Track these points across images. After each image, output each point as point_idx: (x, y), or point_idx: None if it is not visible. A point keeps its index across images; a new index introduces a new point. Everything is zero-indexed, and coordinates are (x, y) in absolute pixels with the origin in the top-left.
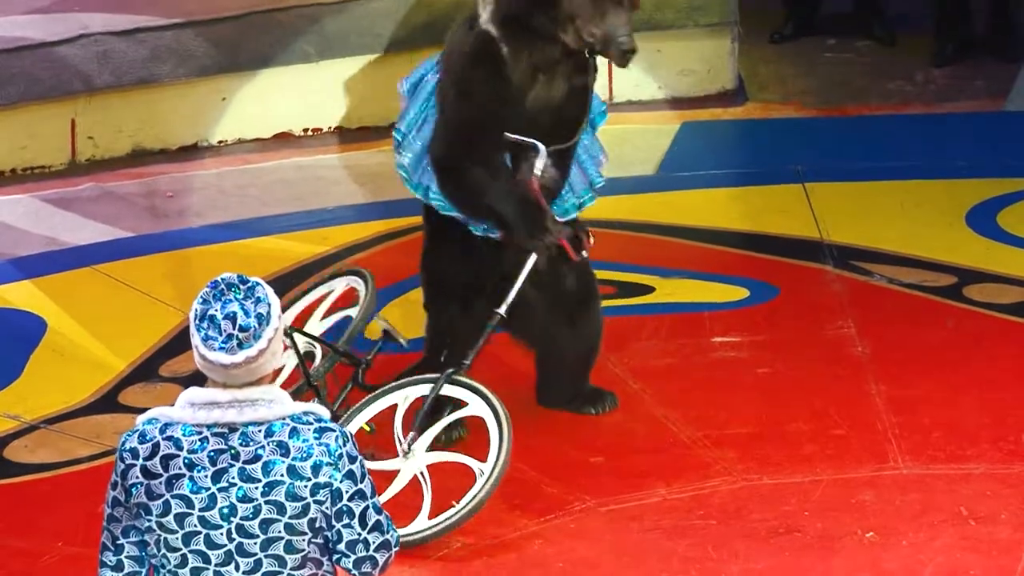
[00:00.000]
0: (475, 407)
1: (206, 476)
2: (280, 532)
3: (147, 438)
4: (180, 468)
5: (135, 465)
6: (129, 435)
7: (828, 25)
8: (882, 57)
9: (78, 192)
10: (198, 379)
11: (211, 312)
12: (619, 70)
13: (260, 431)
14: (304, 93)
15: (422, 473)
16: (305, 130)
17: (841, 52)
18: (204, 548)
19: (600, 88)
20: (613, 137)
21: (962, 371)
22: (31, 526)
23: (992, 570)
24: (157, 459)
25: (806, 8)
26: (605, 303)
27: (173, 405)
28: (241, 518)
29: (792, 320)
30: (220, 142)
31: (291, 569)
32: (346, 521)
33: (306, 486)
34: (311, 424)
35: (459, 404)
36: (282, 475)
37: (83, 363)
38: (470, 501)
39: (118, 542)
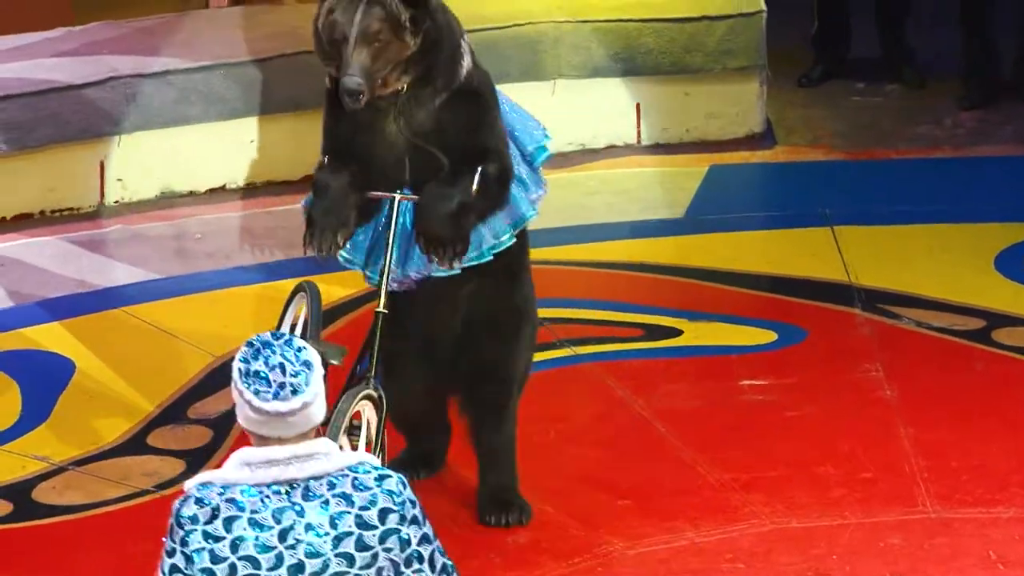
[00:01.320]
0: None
1: (272, 535)
2: None
3: (205, 502)
4: (244, 529)
5: (195, 531)
6: (183, 502)
7: (856, 69)
8: (910, 101)
9: (107, 234)
10: (224, 422)
11: (255, 368)
12: (647, 112)
13: (322, 484)
14: None
15: None
16: None
17: (869, 96)
18: None
19: (628, 132)
20: (641, 180)
21: (991, 415)
22: (59, 569)
23: None
24: (219, 522)
25: (834, 52)
26: (633, 346)
27: (222, 469)
28: (310, 574)
29: (820, 363)
30: (248, 184)
31: None
32: (416, 566)
33: (374, 535)
34: (370, 472)
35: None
36: (350, 527)
37: (111, 405)
38: None
39: None
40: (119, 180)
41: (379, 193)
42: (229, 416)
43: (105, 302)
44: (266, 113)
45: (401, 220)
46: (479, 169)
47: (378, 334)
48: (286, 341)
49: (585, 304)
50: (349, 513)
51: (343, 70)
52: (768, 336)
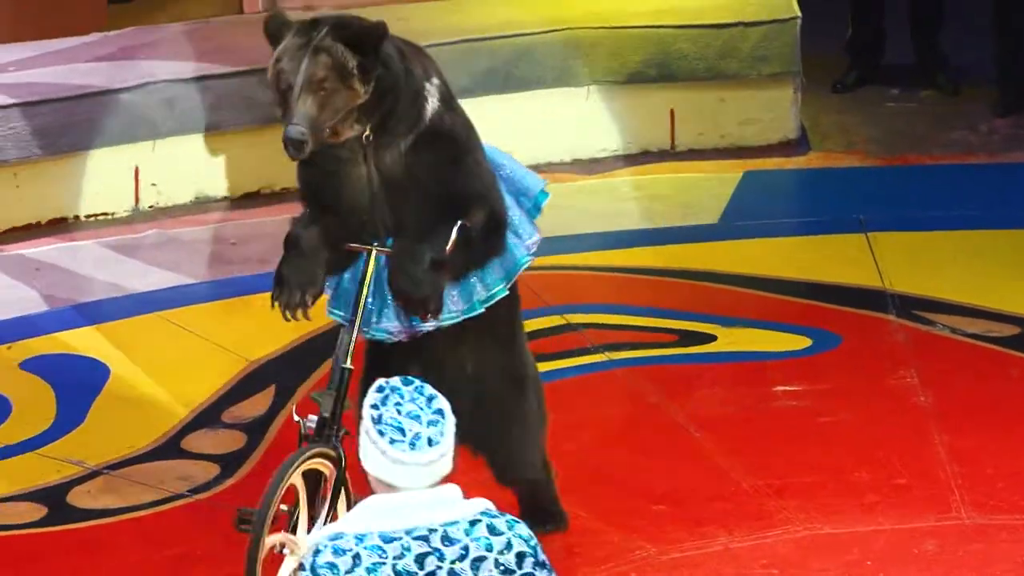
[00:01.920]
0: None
1: None
2: None
3: (343, 551)
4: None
5: None
6: (317, 554)
7: (890, 75)
8: (944, 107)
9: (142, 239)
10: (258, 426)
11: (388, 416)
12: (682, 118)
13: (459, 530)
14: None
15: None
16: None
17: (904, 102)
18: None
19: (662, 137)
20: (676, 186)
21: None
22: (94, 572)
23: None
24: (361, 569)
25: (869, 58)
26: (667, 351)
27: (348, 520)
28: None
29: (855, 369)
30: (283, 189)
31: None
32: None
33: None
34: (500, 517)
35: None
36: (490, 571)
37: (146, 409)
38: None
39: None
40: (154, 185)
41: (356, 245)
42: (263, 421)
43: (140, 306)
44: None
45: (375, 273)
46: (459, 222)
47: (343, 392)
48: (416, 388)
49: (619, 310)
50: (487, 558)
51: (287, 119)
52: (803, 342)
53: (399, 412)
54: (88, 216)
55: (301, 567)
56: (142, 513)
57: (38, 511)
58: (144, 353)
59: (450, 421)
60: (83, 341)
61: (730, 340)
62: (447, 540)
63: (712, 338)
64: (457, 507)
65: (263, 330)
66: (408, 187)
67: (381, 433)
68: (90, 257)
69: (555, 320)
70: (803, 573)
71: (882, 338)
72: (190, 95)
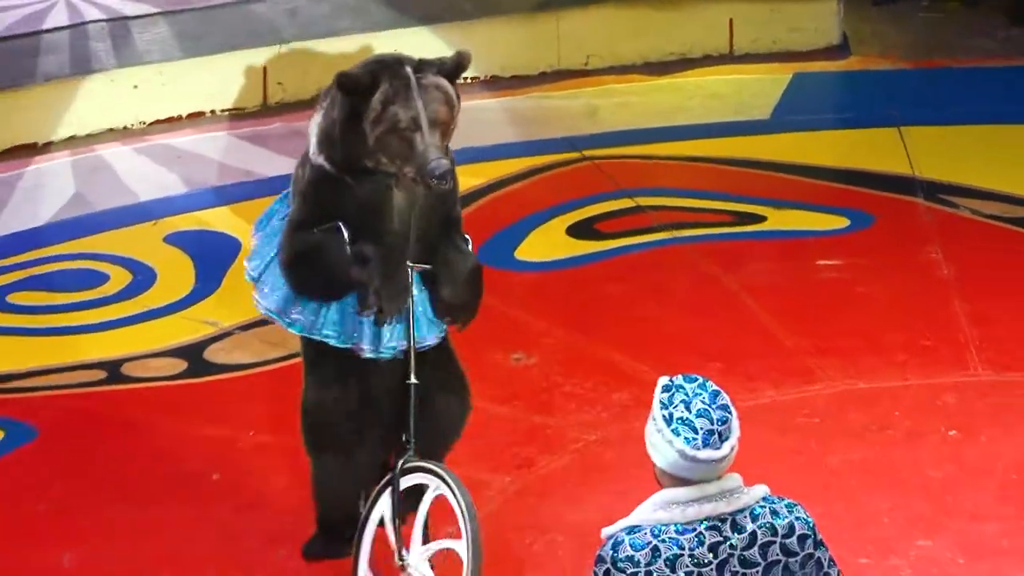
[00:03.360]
0: (435, 486)
1: (711, 570)
2: None
3: (640, 545)
4: (688, 567)
5: (638, 572)
6: (615, 547)
7: None
8: (968, 17)
9: (269, 130)
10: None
11: (678, 415)
12: (739, 27)
13: (746, 517)
14: (460, 46)
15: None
16: (465, 78)
17: (933, 12)
18: None
19: (722, 43)
20: (734, 85)
21: None
22: (226, 417)
23: None
24: (661, 561)
25: None
26: (723, 229)
27: (642, 512)
28: None
29: (886, 246)
30: None
31: None
32: None
33: (796, 561)
34: (779, 502)
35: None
36: (778, 555)
37: None
38: None
39: None
40: (279, 83)
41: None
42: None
43: (267, 189)
44: (407, 26)
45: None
46: (467, 238)
47: (412, 405)
48: (699, 385)
49: (681, 193)
50: (774, 543)
51: (427, 155)
52: (841, 221)
53: (688, 410)
54: (223, 110)
55: (600, 560)
56: (268, 368)
57: (179, 365)
58: None
59: (735, 415)
60: (218, 219)
61: (778, 220)
62: (736, 528)
63: (762, 218)
64: (742, 495)
65: None
66: (428, 209)
67: (676, 433)
68: (224, 146)
69: (625, 202)
70: (840, 422)
71: (911, 219)
72: (311, 5)
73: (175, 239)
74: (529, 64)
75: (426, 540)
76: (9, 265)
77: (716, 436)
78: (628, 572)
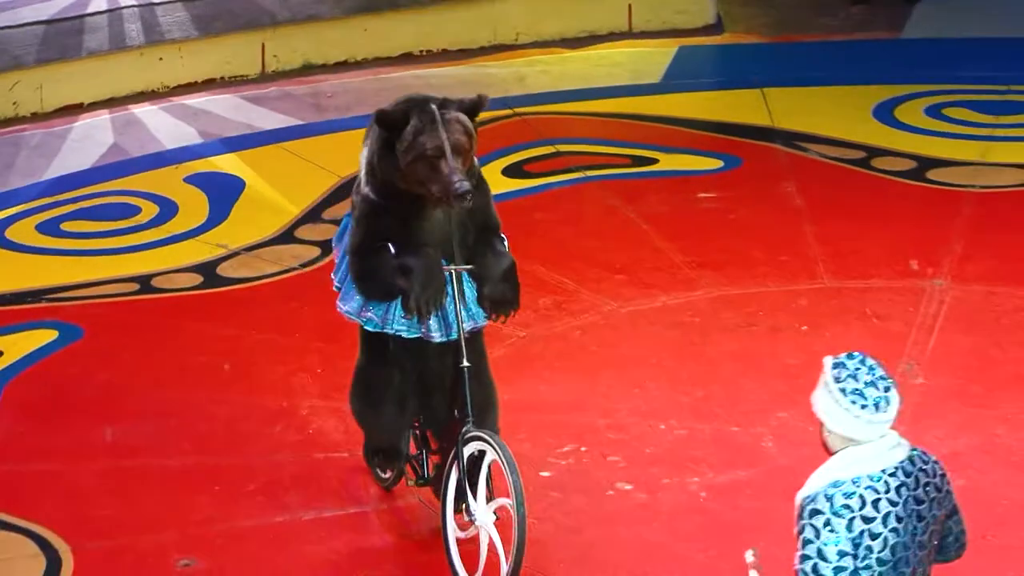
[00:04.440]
0: (491, 453)
1: (901, 508)
2: (933, 538)
3: (848, 494)
4: (886, 507)
5: (855, 518)
6: (828, 499)
7: None
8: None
9: (266, 93)
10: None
11: (851, 387)
12: (636, 9)
13: (909, 464)
14: (419, 26)
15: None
16: (421, 51)
17: None
18: (902, 568)
19: (622, 23)
20: (633, 56)
21: (869, 217)
22: (234, 319)
23: (889, 352)
24: (868, 505)
25: None
26: (624, 170)
27: (835, 468)
28: (919, 534)
29: (752, 182)
30: (362, 59)
31: (926, 566)
32: (956, 518)
33: (944, 497)
34: (918, 450)
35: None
36: (933, 493)
37: (270, 209)
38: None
39: None
40: (275, 56)
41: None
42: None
43: (265, 139)
44: (375, 11)
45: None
46: (503, 238)
47: (467, 383)
48: (860, 360)
49: (591, 141)
50: (930, 482)
51: (451, 179)
52: (716, 163)
53: (857, 381)
54: (231, 77)
55: (816, 512)
56: (267, 281)
57: (196, 279)
58: (268, 171)
59: (895, 382)
60: (226, 163)
61: (667, 162)
62: (906, 473)
63: (655, 161)
64: (903, 447)
65: (352, 156)
66: (463, 219)
67: (853, 402)
68: (230, 106)
69: (547, 149)
70: (716, 320)
71: (771, 161)
72: None
73: (193, 179)
74: (471, 40)
75: (490, 498)
76: (62, 200)
77: (884, 401)
78: (846, 516)
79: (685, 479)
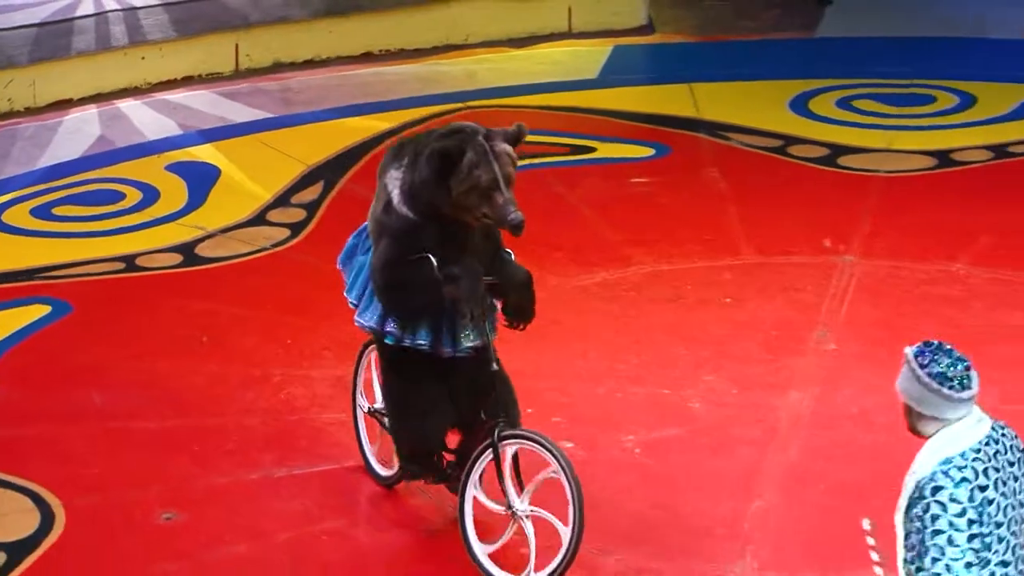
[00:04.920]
0: (530, 446)
1: (1003, 472)
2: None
3: (962, 466)
4: (994, 475)
5: (973, 488)
6: (946, 475)
7: None
8: (738, 3)
9: (239, 89)
10: (313, 206)
11: (938, 371)
12: (576, 12)
13: (996, 435)
14: (380, 28)
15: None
16: (380, 50)
17: (714, 0)
18: (1012, 528)
19: (563, 25)
20: (572, 55)
21: (786, 199)
22: (211, 295)
23: (804, 321)
24: (980, 475)
25: None
26: (565, 158)
27: (943, 446)
28: (1019, 493)
29: (680, 168)
30: (327, 57)
31: (1019, 523)
32: None
33: (1021, 459)
34: (997, 420)
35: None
36: (1019, 455)
37: (243, 195)
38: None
39: (983, 556)
40: (247, 55)
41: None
42: (316, 202)
43: (239, 131)
44: (339, 15)
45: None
46: (510, 252)
47: (497, 387)
48: (936, 346)
49: (535, 131)
50: (1014, 444)
51: (507, 209)
52: (648, 151)
53: (939, 364)
54: (208, 74)
55: (939, 489)
56: (241, 259)
57: (176, 258)
58: (241, 160)
59: (971, 361)
60: (203, 153)
61: (604, 151)
62: (995, 440)
63: (593, 149)
64: (985, 419)
65: (317, 146)
66: (484, 235)
67: (941, 384)
68: (207, 100)
69: None
70: (649, 294)
71: (697, 149)
72: None
73: (173, 168)
74: (426, 40)
75: (521, 488)
76: (54, 187)
77: (967, 379)
78: (966, 488)
79: (621, 437)
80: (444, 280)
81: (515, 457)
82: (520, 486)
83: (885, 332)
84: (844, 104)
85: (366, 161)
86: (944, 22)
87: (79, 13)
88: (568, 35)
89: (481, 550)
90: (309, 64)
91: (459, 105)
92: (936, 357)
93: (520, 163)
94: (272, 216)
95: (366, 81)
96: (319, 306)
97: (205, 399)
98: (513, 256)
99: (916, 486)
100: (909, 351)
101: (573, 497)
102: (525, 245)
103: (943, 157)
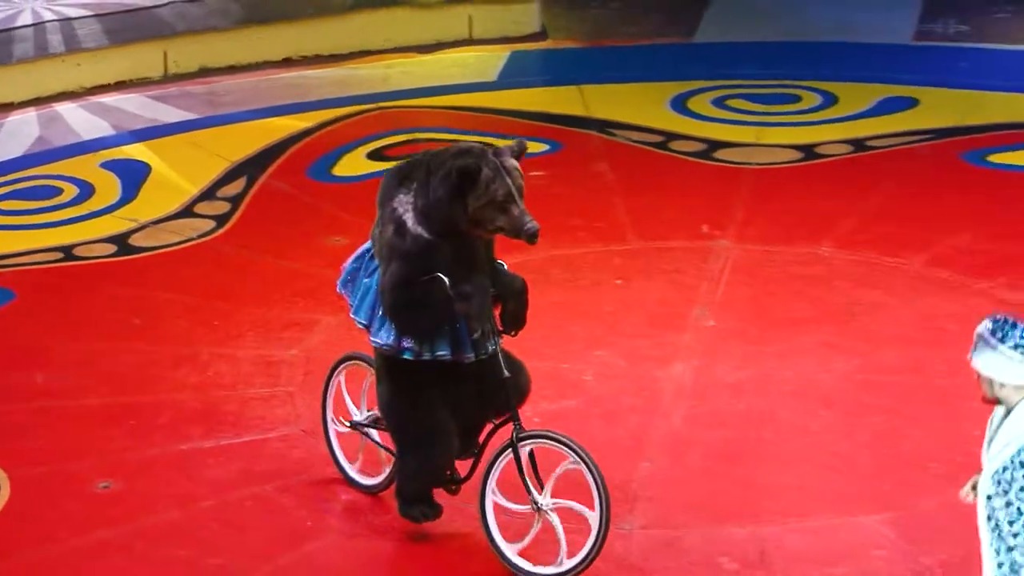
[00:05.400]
0: (549, 444)
1: None
2: None
3: None
4: None
5: None
6: None
7: None
8: (621, 11)
9: (168, 92)
10: (238, 199)
11: (1013, 343)
12: (477, 21)
13: None
14: (301, 37)
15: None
16: (299, 56)
17: (600, 8)
18: None
19: (465, 32)
20: (472, 59)
21: (667, 190)
22: (143, 282)
23: (685, 300)
24: None
25: None
26: None
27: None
28: None
29: (572, 162)
30: (249, 63)
31: None
32: None
33: None
34: None
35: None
36: None
37: (172, 190)
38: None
39: None
40: (175, 61)
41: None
42: (239, 196)
43: (168, 131)
44: (261, 23)
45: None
46: (502, 263)
47: (510, 393)
48: (1004, 319)
49: (440, 129)
50: None
51: (523, 219)
52: (542, 147)
53: (1015, 335)
54: (138, 79)
55: None
56: (171, 249)
57: (111, 248)
58: (170, 158)
59: None
60: (135, 151)
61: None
62: None
63: (492, 147)
64: None
65: (239, 143)
66: (485, 249)
67: (1022, 353)
68: (139, 103)
69: (405, 136)
70: (547, 277)
71: (587, 144)
72: (194, 10)
73: (107, 165)
74: (342, 46)
75: (540, 485)
76: None
77: None
78: None
79: (523, 408)
80: (456, 298)
81: (531, 455)
82: (539, 483)
83: (757, 310)
84: (719, 103)
85: (286, 157)
86: (809, 27)
87: (19, 23)
88: (470, 42)
89: (510, 549)
90: (233, 69)
91: (372, 106)
92: (1010, 331)
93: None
94: (199, 209)
95: (286, 84)
96: (242, 291)
97: (139, 377)
98: (505, 266)
99: (1012, 459)
100: (983, 329)
101: (597, 484)
102: None
103: (808, 151)
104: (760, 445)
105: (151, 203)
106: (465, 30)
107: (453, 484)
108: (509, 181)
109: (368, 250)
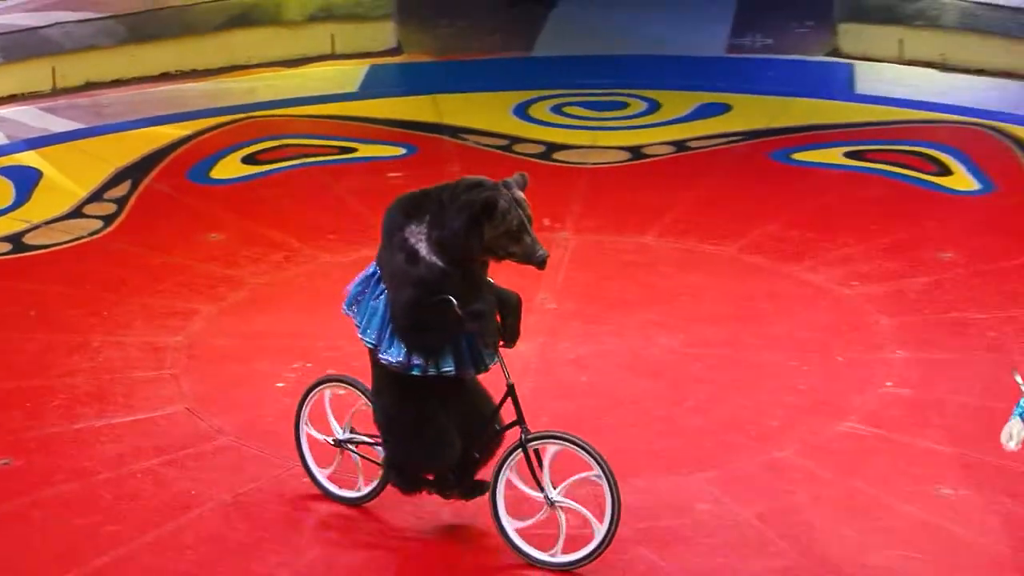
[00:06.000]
0: (564, 445)
1: None
2: None
3: None
4: None
5: None
6: None
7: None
8: (468, 29)
9: (57, 105)
10: (123, 200)
11: None
12: (339, 38)
13: None
14: (177, 54)
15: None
16: (176, 71)
17: (449, 26)
18: None
19: (328, 48)
20: (335, 72)
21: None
22: (37, 278)
23: (530, 285)
24: None
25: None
26: (332, 156)
27: None
28: None
29: (427, 164)
30: (132, 78)
31: None
32: None
33: None
34: None
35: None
36: None
37: (62, 193)
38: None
39: None
40: (63, 76)
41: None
42: (125, 198)
43: (58, 139)
44: (140, 42)
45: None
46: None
47: (516, 399)
48: None
49: (306, 136)
50: None
51: (535, 248)
52: (400, 151)
53: None
54: (28, 93)
55: None
56: (62, 247)
57: (6, 247)
58: (60, 164)
59: None
60: (28, 158)
61: (364, 151)
62: None
63: (355, 150)
64: None
65: (124, 150)
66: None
67: None
68: (30, 115)
69: (275, 143)
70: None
71: (441, 148)
72: (78, 30)
73: (1, 171)
74: (214, 62)
75: (555, 484)
76: None
77: None
78: None
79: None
80: (467, 318)
81: (537, 453)
82: (549, 483)
83: (593, 293)
84: (556, 110)
85: (167, 162)
86: (634, 43)
87: None
88: (332, 56)
89: (510, 525)
90: (116, 83)
91: (243, 116)
92: None
93: (293, 162)
94: (88, 210)
95: (165, 97)
96: (129, 283)
97: (35, 364)
98: (494, 283)
99: None
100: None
101: (614, 502)
102: (302, 229)
103: (635, 151)
104: (598, 413)
105: (43, 205)
106: (328, 46)
107: (457, 487)
108: (521, 212)
109: (372, 275)
